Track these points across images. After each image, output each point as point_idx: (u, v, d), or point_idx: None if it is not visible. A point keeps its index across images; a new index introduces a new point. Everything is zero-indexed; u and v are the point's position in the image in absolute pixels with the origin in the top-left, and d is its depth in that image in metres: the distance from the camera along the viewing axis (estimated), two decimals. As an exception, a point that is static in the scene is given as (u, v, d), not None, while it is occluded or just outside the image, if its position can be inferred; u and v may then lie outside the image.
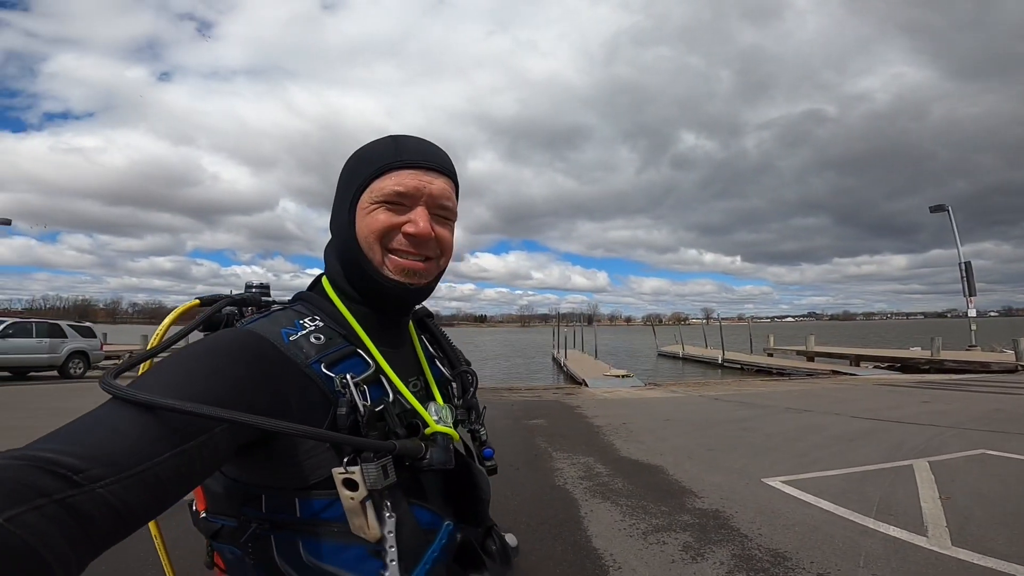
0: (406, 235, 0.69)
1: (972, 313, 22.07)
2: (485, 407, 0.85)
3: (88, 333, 15.40)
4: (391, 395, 0.67)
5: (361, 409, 0.61)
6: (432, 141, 0.75)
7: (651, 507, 4.09)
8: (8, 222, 18.12)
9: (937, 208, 24.94)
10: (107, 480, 0.42)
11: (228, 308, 0.75)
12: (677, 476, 4.95)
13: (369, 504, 0.59)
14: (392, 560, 0.60)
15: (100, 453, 0.43)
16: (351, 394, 0.62)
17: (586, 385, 14.82)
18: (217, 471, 0.64)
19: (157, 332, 0.72)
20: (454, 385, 0.81)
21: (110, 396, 0.50)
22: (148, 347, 0.65)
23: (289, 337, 0.64)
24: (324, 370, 0.63)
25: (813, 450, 5.88)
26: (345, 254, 0.72)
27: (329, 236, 0.79)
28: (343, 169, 0.75)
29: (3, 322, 13.67)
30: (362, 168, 0.71)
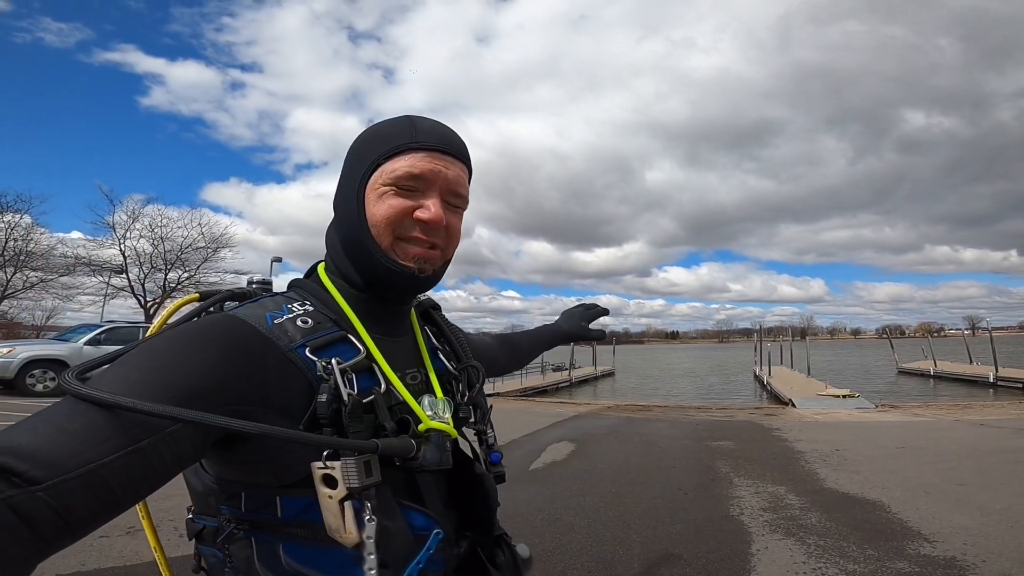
0: (418, 221, 0.65)
1: None
2: (492, 405, 0.78)
3: None
4: (383, 385, 0.62)
5: (345, 398, 0.57)
6: (448, 126, 0.70)
7: (851, 549, 3.33)
8: (279, 259, 23.32)
9: None
10: (47, 483, 0.39)
11: (228, 303, 0.70)
12: (902, 514, 3.95)
13: (348, 505, 0.53)
14: (371, 569, 0.53)
15: (41, 454, 0.41)
16: (335, 380, 0.57)
17: (793, 405, 12.86)
18: (198, 467, 0.61)
19: (152, 327, 0.67)
20: (458, 381, 0.74)
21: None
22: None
23: (274, 320, 0.60)
24: (308, 355, 0.58)
25: None
26: (351, 237, 0.67)
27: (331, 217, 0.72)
28: (352, 146, 0.70)
29: (98, 327, 12.09)
30: (374, 147, 0.67)
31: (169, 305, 0.72)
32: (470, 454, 0.72)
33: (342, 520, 0.53)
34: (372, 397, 0.59)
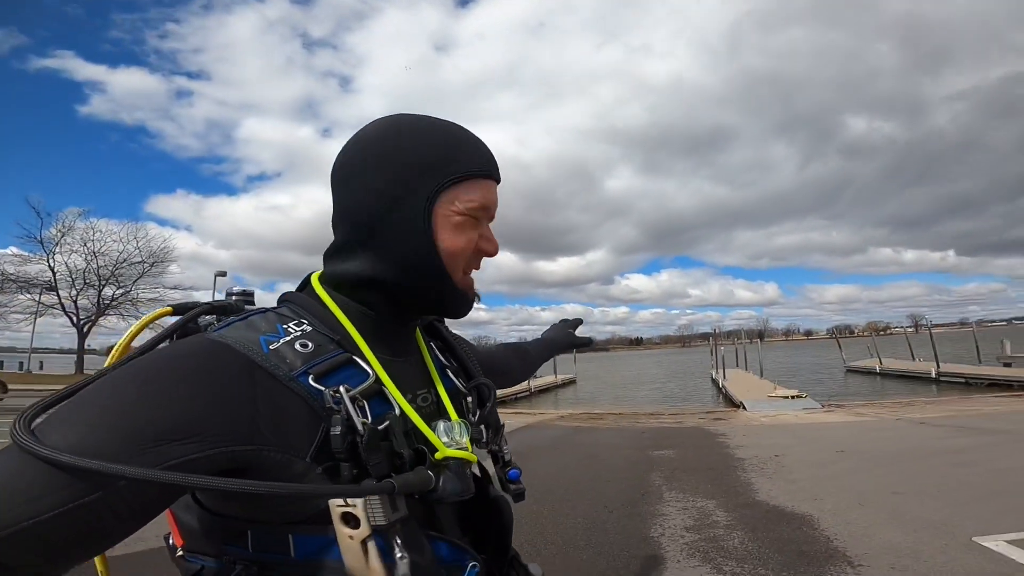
0: (484, 253, 0.66)
1: None
2: (504, 423, 0.75)
3: None
4: (397, 409, 0.56)
5: (360, 427, 0.51)
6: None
7: (769, 577, 2.96)
8: (223, 274, 21.78)
9: None
10: None
11: (206, 318, 0.63)
12: (830, 530, 3.65)
13: (372, 544, 0.47)
14: None
15: None
16: (346, 410, 0.52)
17: (744, 408, 12.82)
18: (190, 501, 0.56)
19: (116, 347, 0.61)
20: (469, 399, 0.70)
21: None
22: (106, 365, 0.53)
23: (269, 345, 0.54)
24: (313, 383, 0.53)
25: (1073, 498, 3.95)
26: (412, 261, 0.61)
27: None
28: (394, 148, 0.61)
29: None
30: (443, 165, 0.61)
31: (136, 323, 0.62)
32: (481, 474, 0.66)
33: (365, 561, 0.48)
34: (387, 423, 0.54)
